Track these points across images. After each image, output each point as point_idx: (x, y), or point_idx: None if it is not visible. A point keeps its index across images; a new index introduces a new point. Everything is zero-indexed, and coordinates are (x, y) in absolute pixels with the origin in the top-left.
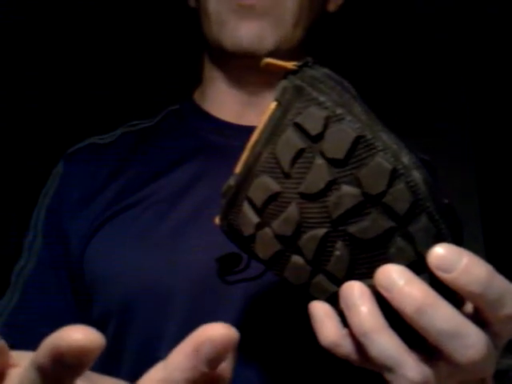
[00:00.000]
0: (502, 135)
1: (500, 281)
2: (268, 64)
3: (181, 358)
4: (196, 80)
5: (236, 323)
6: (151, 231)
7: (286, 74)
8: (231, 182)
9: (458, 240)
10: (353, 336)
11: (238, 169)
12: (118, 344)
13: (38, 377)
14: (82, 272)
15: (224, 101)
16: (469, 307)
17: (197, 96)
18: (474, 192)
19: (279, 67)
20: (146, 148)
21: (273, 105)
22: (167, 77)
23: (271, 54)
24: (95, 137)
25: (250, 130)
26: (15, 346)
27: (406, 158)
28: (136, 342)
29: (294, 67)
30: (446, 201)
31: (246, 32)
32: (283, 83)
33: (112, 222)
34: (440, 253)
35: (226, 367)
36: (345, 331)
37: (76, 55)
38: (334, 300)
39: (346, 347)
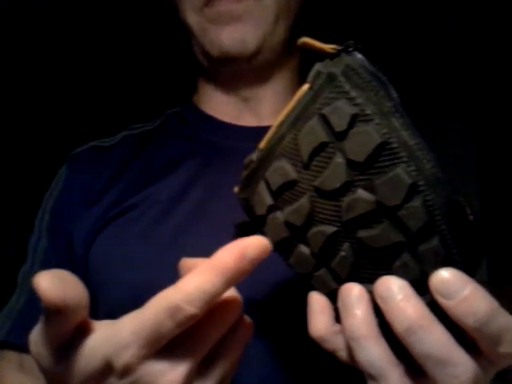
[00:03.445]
0: (503, 135)
1: (501, 318)
2: (305, 44)
3: (227, 256)
4: (195, 83)
5: None
6: (152, 231)
7: (323, 56)
8: (253, 156)
9: (473, 263)
10: (344, 335)
11: (262, 144)
12: None
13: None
14: (85, 273)
15: (219, 104)
16: None
17: (195, 99)
18: (475, 192)
19: (316, 48)
20: (147, 150)
21: (305, 87)
22: (168, 80)
23: (255, 54)
24: (97, 140)
25: (247, 130)
26: (24, 346)
27: (430, 172)
28: None
29: (332, 51)
30: (472, 217)
31: (226, 37)
32: (318, 66)
33: (114, 223)
34: (443, 277)
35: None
36: (336, 328)
37: (79, 60)
38: (333, 296)
39: (333, 343)
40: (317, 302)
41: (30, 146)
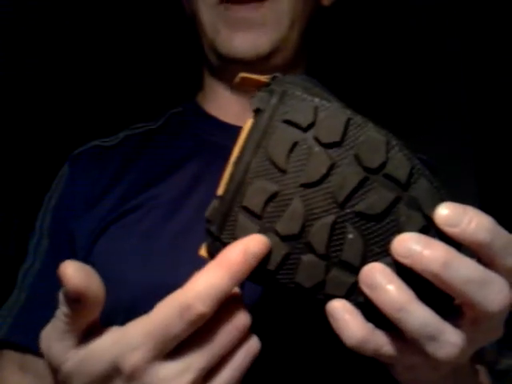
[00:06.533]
0: (503, 135)
1: (503, 231)
2: (243, 78)
3: (232, 253)
4: (199, 82)
5: None
6: (155, 232)
7: (260, 87)
8: (216, 204)
9: None
10: (380, 328)
11: (221, 190)
12: None
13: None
14: None
15: (225, 104)
16: None
17: (199, 98)
18: (474, 192)
19: (253, 81)
20: (149, 150)
21: (249, 122)
22: (170, 80)
23: (267, 58)
24: (99, 139)
25: None
26: (23, 344)
27: (390, 135)
28: None
29: (267, 80)
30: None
31: (240, 43)
32: (261, 94)
33: (116, 224)
34: (445, 210)
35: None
36: (370, 324)
37: (80, 58)
38: (352, 292)
39: (376, 342)
40: (340, 307)
41: (31, 145)
